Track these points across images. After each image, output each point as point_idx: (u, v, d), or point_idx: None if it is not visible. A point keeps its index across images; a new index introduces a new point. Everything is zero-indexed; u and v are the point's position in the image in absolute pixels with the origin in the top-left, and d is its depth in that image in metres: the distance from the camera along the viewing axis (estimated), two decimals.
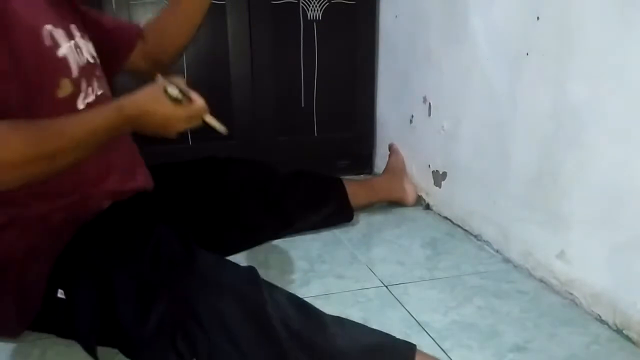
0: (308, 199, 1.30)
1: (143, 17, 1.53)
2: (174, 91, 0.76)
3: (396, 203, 1.53)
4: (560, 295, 1.02)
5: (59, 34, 0.80)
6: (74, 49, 0.83)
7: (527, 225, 1.11)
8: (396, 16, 1.62)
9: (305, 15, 1.65)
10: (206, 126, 0.83)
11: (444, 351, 0.84)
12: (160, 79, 0.79)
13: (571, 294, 1.00)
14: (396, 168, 1.60)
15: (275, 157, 1.54)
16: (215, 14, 1.57)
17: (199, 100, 0.79)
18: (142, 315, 0.70)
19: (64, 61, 0.79)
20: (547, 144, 1.03)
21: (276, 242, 1.28)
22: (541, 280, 1.07)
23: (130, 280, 0.73)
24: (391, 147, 1.68)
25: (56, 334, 0.84)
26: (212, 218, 1.10)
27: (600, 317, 0.93)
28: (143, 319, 0.70)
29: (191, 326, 0.68)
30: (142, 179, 0.96)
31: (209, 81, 1.59)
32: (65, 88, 0.78)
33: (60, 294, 0.78)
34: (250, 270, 0.76)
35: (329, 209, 1.34)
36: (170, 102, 0.76)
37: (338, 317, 0.78)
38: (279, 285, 1.05)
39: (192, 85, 0.81)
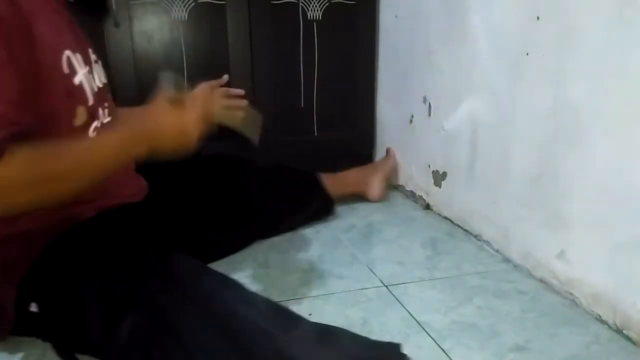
0: (292, 199, 1.33)
1: (143, 16, 1.53)
2: (168, 88, 0.76)
3: (361, 196, 1.56)
4: (560, 295, 1.02)
5: (77, 59, 0.79)
6: (88, 74, 0.82)
7: (527, 225, 1.11)
8: (396, 16, 1.62)
9: (305, 15, 1.65)
10: (230, 127, 0.82)
11: (444, 351, 0.84)
12: (160, 78, 0.78)
13: (571, 294, 1.00)
14: (378, 167, 1.63)
15: (275, 157, 1.54)
16: (215, 14, 1.58)
17: (200, 92, 0.79)
18: (112, 329, 0.68)
19: (80, 89, 0.79)
20: (547, 144, 1.03)
21: (276, 242, 1.28)
22: (541, 280, 1.07)
23: (100, 294, 0.71)
24: (388, 151, 1.69)
25: (40, 338, 0.83)
26: (196, 223, 1.08)
27: (600, 317, 0.93)
28: (113, 333, 0.68)
29: (167, 340, 0.65)
30: (131, 192, 0.96)
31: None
32: (81, 116, 0.78)
33: (33, 307, 0.77)
34: (226, 279, 0.74)
35: (312, 207, 1.38)
36: (172, 107, 0.77)
37: (323, 329, 0.74)
38: (280, 285, 1.06)
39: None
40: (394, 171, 1.67)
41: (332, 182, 1.45)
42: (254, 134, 0.82)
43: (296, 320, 0.70)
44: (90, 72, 0.84)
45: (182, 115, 0.77)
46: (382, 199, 1.58)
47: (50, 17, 0.75)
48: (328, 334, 0.73)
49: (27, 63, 0.69)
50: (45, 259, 0.77)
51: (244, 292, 0.73)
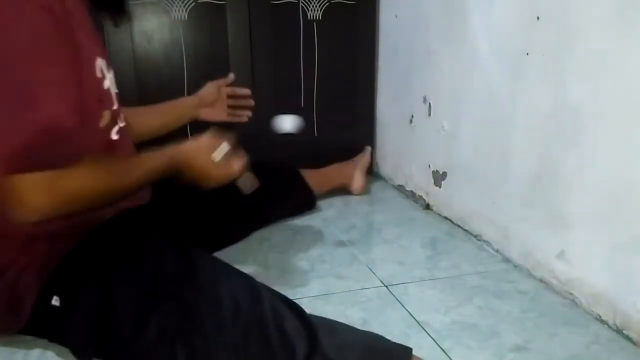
0: (275, 194, 1.36)
1: (143, 16, 1.53)
2: (218, 156, 0.86)
3: (343, 189, 1.62)
4: (560, 295, 1.02)
5: (104, 65, 0.82)
6: (112, 79, 0.86)
7: (527, 225, 1.11)
8: (396, 16, 1.62)
9: (305, 15, 1.65)
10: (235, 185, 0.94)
11: (444, 351, 0.84)
12: (211, 133, 0.88)
13: (571, 294, 1.00)
14: (357, 162, 1.67)
15: (275, 157, 1.54)
16: (215, 14, 1.58)
17: (237, 166, 0.90)
18: (142, 324, 0.70)
19: (108, 94, 0.83)
20: (547, 144, 1.03)
21: (276, 241, 1.28)
22: (541, 280, 1.07)
23: (131, 290, 0.73)
24: (364, 149, 1.72)
25: (48, 339, 0.83)
26: (191, 220, 1.09)
27: (600, 317, 0.93)
28: (143, 329, 0.70)
29: (191, 336, 0.68)
30: (142, 194, 0.98)
31: (209, 81, 1.59)
32: (105, 119, 0.81)
33: (55, 301, 0.77)
34: (250, 279, 0.76)
35: (294, 200, 1.45)
36: (212, 162, 0.86)
37: (330, 323, 0.77)
38: (280, 285, 1.06)
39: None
40: (368, 166, 1.73)
41: (315, 177, 1.50)
42: (248, 189, 0.97)
43: (311, 320, 0.71)
44: (113, 77, 0.88)
45: (216, 167, 0.86)
46: (364, 191, 1.65)
47: (83, 21, 0.77)
48: (336, 329, 0.75)
49: (76, 64, 0.71)
50: (73, 257, 0.79)
51: (262, 291, 0.74)
